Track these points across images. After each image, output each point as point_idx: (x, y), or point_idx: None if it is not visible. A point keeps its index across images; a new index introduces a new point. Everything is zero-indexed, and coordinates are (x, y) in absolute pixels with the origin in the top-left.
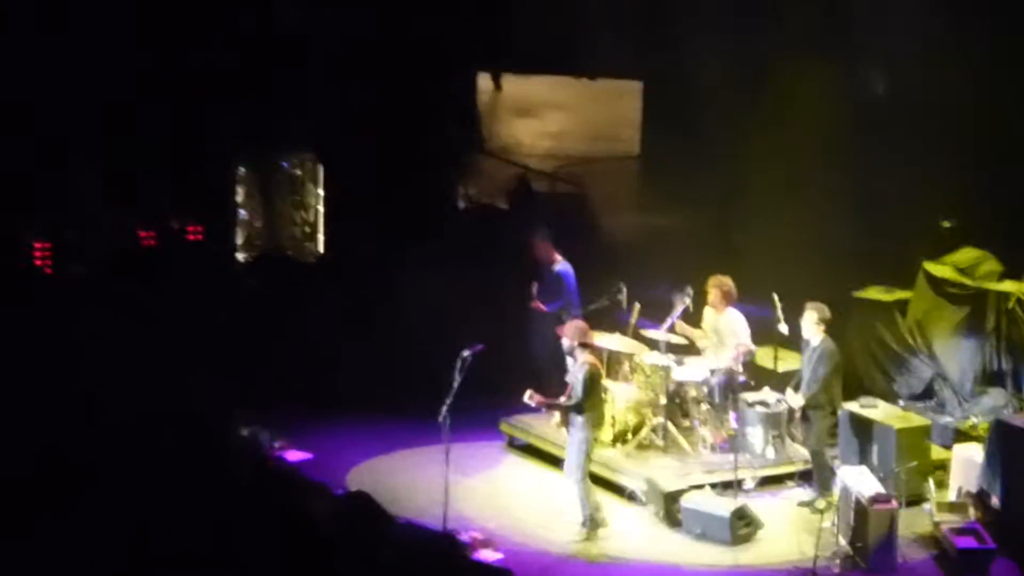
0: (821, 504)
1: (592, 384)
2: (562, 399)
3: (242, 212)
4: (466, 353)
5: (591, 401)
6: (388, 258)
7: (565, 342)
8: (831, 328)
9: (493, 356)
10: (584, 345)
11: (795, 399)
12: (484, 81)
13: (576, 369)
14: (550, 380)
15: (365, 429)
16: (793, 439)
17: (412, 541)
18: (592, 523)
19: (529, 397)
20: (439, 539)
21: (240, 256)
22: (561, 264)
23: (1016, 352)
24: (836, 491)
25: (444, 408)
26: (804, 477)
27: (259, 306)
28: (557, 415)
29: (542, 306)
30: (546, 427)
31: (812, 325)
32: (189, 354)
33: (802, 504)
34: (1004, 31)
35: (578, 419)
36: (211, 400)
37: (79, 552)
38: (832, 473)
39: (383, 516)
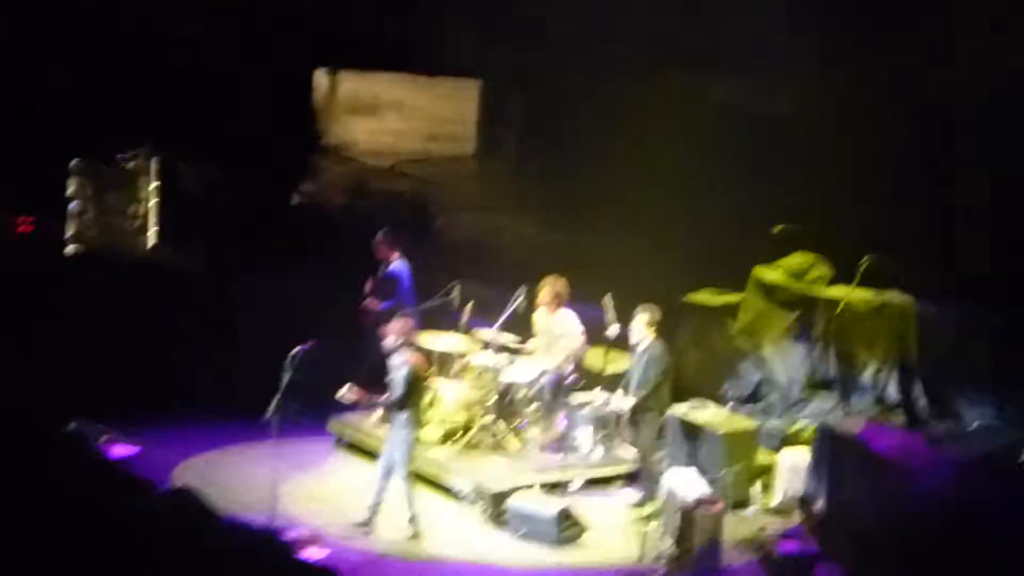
0: (648, 507)
1: (415, 382)
2: (383, 397)
3: (73, 204)
4: (297, 350)
5: (413, 399)
6: (221, 253)
7: (388, 340)
8: (662, 331)
9: (326, 354)
10: (408, 344)
11: (624, 401)
12: (321, 78)
13: (398, 367)
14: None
15: (196, 426)
16: (622, 441)
17: (236, 539)
18: (417, 522)
19: (347, 391)
20: (264, 537)
21: (71, 248)
22: (397, 262)
23: (843, 358)
24: (663, 494)
25: (272, 405)
26: (632, 479)
27: (89, 300)
28: (379, 412)
29: (375, 304)
30: (376, 427)
31: (643, 327)
32: (14, 348)
33: (629, 506)
34: (835, 43)
35: (400, 417)
36: (35, 395)
37: None
38: (659, 476)
39: (207, 513)
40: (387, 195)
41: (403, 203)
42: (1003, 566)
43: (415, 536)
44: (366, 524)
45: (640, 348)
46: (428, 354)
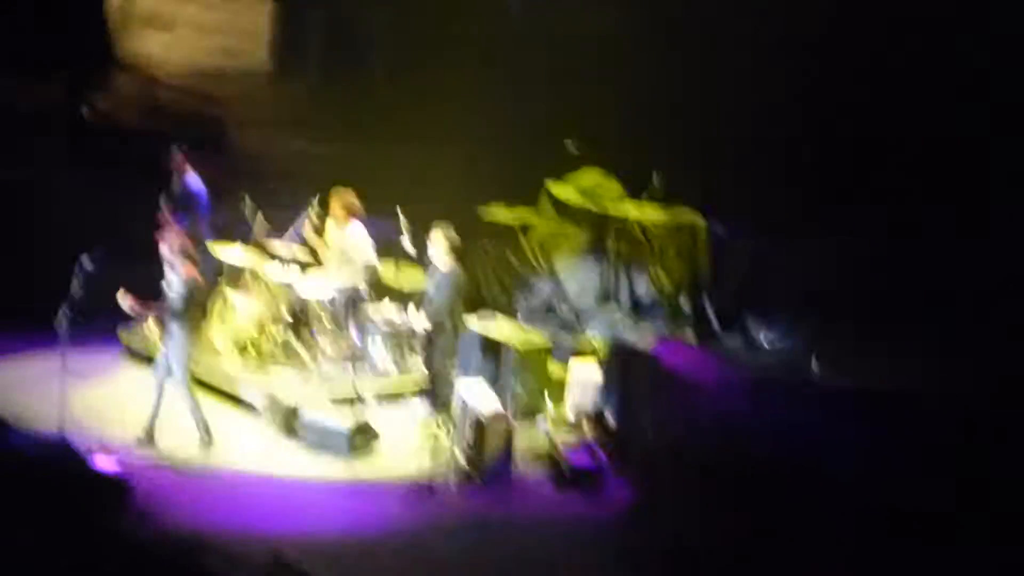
0: (439, 420)
1: (191, 295)
2: (158, 305)
3: None
4: (86, 259)
5: (188, 310)
6: (14, 162)
7: (164, 250)
8: (458, 252)
9: (117, 266)
10: (183, 255)
11: (419, 319)
12: None
13: (173, 277)
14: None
15: None
16: (414, 355)
17: (26, 450)
18: (205, 430)
19: (122, 297)
20: (55, 448)
21: None
22: (191, 177)
23: (634, 273)
24: (455, 407)
25: (61, 314)
26: (424, 393)
27: None
28: (148, 323)
29: (170, 218)
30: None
31: (439, 245)
32: None
33: (421, 420)
34: None
35: (174, 328)
36: None
37: None
38: (451, 390)
39: None
40: (181, 110)
41: (197, 119)
42: (790, 483)
43: (205, 445)
44: (148, 437)
45: (437, 270)
46: (220, 265)
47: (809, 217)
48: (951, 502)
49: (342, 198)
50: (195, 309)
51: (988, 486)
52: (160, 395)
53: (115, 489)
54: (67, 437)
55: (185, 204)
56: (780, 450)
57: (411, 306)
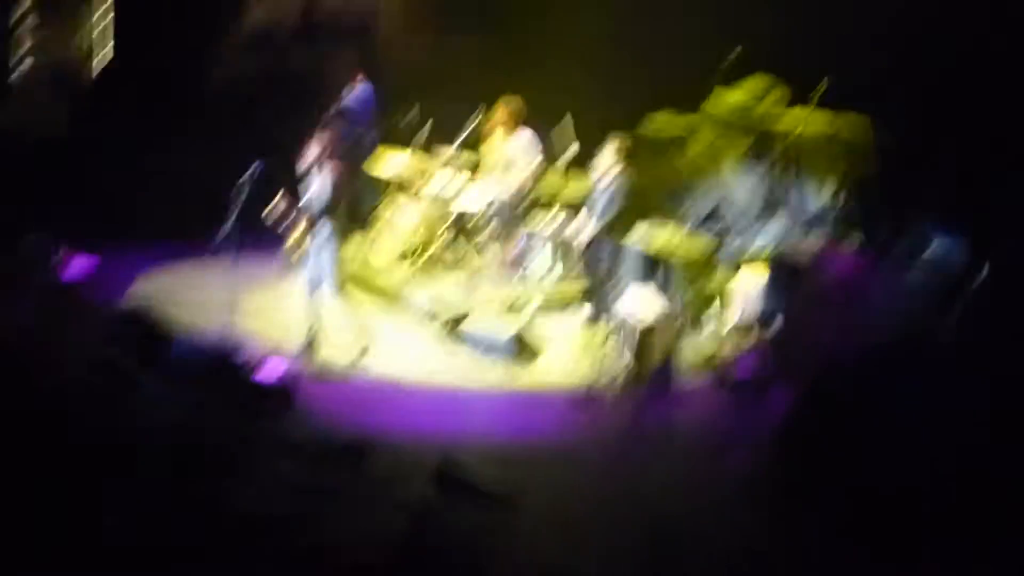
0: (603, 327)
1: (341, 189)
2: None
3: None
4: (252, 168)
5: (338, 208)
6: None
7: (311, 154)
8: (629, 160)
9: (280, 173)
10: (331, 156)
11: (586, 226)
12: None
13: (324, 176)
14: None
15: (150, 245)
16: (580, 262)
17: (192, 356)
18: (363, 335)
19: (278, 202)
20: (220, 355)
21: (19, 72)
22: (363, 84)
23: (801, 179)
24: (619, 314)
25: (228, 225)
26: (588, 300)
27: (48, 120)
28: (297, 230)
29: (342, 126)
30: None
31: (613, 155)
32: None
33: (585, 327)
34: None
35: (326, 229)
36: None
37: None
38: (616, 298)
39: (163, 331)
40: (336, 18)
41: (357, 23)
42: (955, 384)
43: (363, 350)
44: (309, 346)
45: (607, 176)
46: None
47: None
48: None
49: (510, 106)
50: (343, 207)
51: None
52: (313, 303)
53: (281, 397)
54: (234, 345)
55: (358, 113)
56: (941, 356)
57: (580, 214)
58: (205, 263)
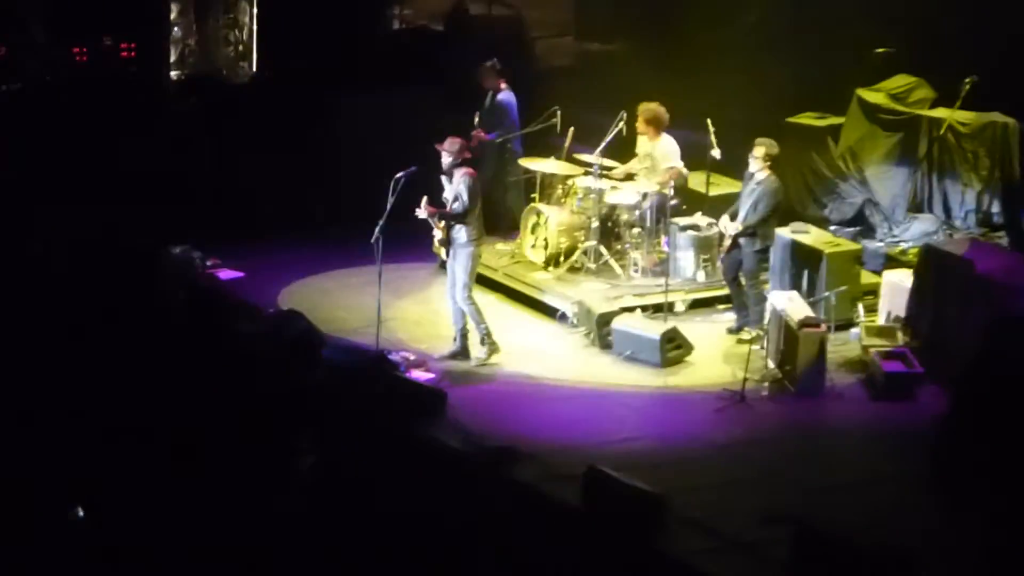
0: (750, 329)
1: (476, 194)
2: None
3: (175, 30)
4: (400, 175)
5: (476, 212)
6: (321, 79)
7: (445, 159)
8: (776, 164)
9: (428, 179)
10: (464, 162)
11: (730, 227)
12: None
13: (457, 181)
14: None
15: (298, 250)
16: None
17: (344, 360)
18: (490, 343)
19: (424, 206)
20: (371, 358)
21: (173, 75)
22: (505, 91)
23: (947, 179)
24: (767, 316)
25: (377, 230)
26: (735, 302)
27: (191, 126)
28: (437, 236)
29: (483, 134)
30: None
31: (759, 159)
32: (119, 172)
33: (732, 329)
34: None
35: (461, 235)
36: (140, 222)
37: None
38: (762, 299)
39: (315, 335)
40: (486, 19)
41: (502, 27)
42: None
43: (492, 354)
44: (458, 352)
45: (754, 179)
46: (532, 181)
47: None
48: None
49: (650, 111)
50: (479, 209)
51: None
52: (458, 309)
53: (431, 399)
54: (382, 348)
55: (499, 118)
56: None
57: (724, 216)
58: (353, 267)
